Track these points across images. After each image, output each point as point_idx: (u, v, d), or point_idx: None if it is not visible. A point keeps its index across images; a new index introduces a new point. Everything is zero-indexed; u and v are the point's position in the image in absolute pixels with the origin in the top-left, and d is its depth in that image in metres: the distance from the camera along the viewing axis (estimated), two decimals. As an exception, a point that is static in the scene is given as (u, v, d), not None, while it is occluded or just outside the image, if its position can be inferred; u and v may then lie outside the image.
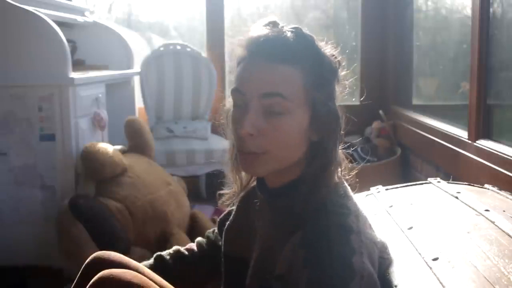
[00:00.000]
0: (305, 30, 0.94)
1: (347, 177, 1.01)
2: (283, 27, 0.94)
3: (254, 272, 0.99)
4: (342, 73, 0.98)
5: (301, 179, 0.94)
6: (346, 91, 0.99)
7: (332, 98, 0.94)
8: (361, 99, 1.25)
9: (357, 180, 1.04)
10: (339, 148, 0.98)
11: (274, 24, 0.95)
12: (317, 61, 0.92)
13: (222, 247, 1.13)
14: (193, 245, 1.27)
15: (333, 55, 0.96)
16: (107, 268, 1.08)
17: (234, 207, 1.14)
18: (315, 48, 0.93)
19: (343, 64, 0.99)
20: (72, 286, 1.13)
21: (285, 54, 0.90)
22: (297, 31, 0.93)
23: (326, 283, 0.82)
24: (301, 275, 0.84)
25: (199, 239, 1.29)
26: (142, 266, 1.11)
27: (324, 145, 0.93)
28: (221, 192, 1.12)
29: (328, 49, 0.96)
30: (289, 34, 0.92)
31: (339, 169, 0.98)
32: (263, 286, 0.94)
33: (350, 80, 1.00)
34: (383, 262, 0.96)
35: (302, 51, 0.91)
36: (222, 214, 1.23)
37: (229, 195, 1.11)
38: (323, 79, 0.92)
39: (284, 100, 0.89)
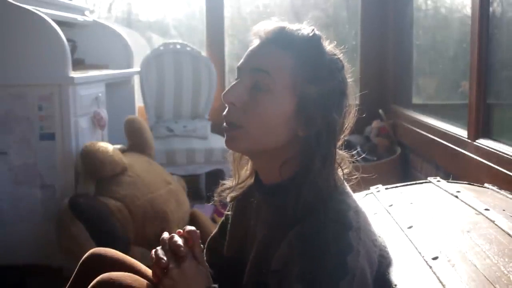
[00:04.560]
0: (316, 30, 0.97)
1: (350, 177, 1.01)
2: (298, 24, 0.98)
3: (251, 270, 0.99)
4: (346, 79, 0.98)
5: (294, 177, 0.94)
6: (356, 108, 1.00)
7: (327, 100, 0.93)
8: (361, 94, 1.25)
9: (358, 179, 1.04)
10: (336, 148, 0.98)
11: (299, 24, 0.99)
12: (314, 55, 0.94)
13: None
14: None
15: (336, 57, 0.97)
16: (104, 265, 1.08)
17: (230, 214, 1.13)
18: (316, 43, 0.95)
19: (349, 71, 0.99)
20: (69, 282, 1.14)
21: (283, 39, 0.95)
22: (305, 26, 0.97)
23: (316, 278, 0.82)
24: (293, 268, 0.84)
25: None
26: (138, 262, 1.11)
27: (310, 143, 0.93)
28: (222, 182, 1.12)
29: (332, 50, 0.97)
30: (295, 26, 0.97)
31: (339, 169, 0.98)
32: (259, 282, 0.94)
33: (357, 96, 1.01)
34: (383, 262, 0.96)
35: (300, 42, 0.94)
36: (212, 233, 1.22)
37: (227, 187, 1.10)
38: (316, 75, 0.93)
39: (270, 78, 0.93)
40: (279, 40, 0.94)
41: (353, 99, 0.99)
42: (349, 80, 0.99)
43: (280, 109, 0.93)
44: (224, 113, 0.97)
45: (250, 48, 0.98)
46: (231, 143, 0.97)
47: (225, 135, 0.97)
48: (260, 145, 0.95)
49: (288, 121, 0.93)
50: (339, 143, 0.98)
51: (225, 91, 0.96)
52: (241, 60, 0.98)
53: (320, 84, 0.93)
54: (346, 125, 0.99)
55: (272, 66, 0.93)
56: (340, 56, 0.98)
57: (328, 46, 0.97)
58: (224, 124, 0.97)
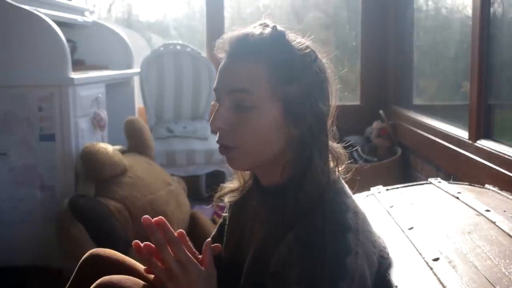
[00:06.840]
0: (279, 27, 0.95)
1: (345, 175, 1.00)
2: (257, 26, 0.96)
3: (249, 272, 0.99)
4: (322, 64, 0.96)
5: (292, 177, 0.94)
6: (338, 87, 0.98)
7: (310, 94, 0.93)
8: (361, 95, 1.25)
9: (359, 179, 1.04)
10: (330, 143, 0.97)
11: (259, 25, 0.97)
12: (283, 55, 0.93)
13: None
14: None
15: (307, 48, 0.95)
16: (103, 265, 1.08)
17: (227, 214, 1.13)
18: (282, 43, 0.94)
19: (326, 60, 0.98)
20: (69, 283, 1.13)
21: (249, 50, 0.93)
22: (266, 28, 0.95)
23: (315, 280, 0.82)
24: (292, 270, 0.84)
25: None
26: (138, 263, 1.11)
27: (305, 139, 0.93)
28: (222, 185, 1.12)
29: (299, 43, 0.95)
30: (257, 31, 0.94)
31: (337, 168, 0.97)
32: (257, 283, 0.94)
33: (343, 72, 0.99)
34: (383, 262, 0.95)
35: (266, 47, 0.93)
36: (211, 235, 1.21)
37: (229, 189, 1.10)
38: (292, 73, 0.92)
39: (250, 95, 0.92)
40: (246, 50, 0.93)
41: (333, 80, 0.98)
42: (324, 61, 0.97)
43: (269, 120, 0.93)
44: (217, 138, 0.97)
45: (221, 67, 0.97)
46: (233, 164, 0.98)
47: (224, 156, 0.98)
48: (259, 158, 0.95)
49: (280, 126, 0.93)
50: (330, 122, 0.97)
51: (211, 118, 0.96)
52: (216, 81, 0.98)
53: (299, 81, 0.92)
54: (332, 107, 0.98)
55: (248, 81, 0.92)
56: (310, 45, 0.96)
57: (295, 39, 0.96)
58: (219, 147, 0.98)
